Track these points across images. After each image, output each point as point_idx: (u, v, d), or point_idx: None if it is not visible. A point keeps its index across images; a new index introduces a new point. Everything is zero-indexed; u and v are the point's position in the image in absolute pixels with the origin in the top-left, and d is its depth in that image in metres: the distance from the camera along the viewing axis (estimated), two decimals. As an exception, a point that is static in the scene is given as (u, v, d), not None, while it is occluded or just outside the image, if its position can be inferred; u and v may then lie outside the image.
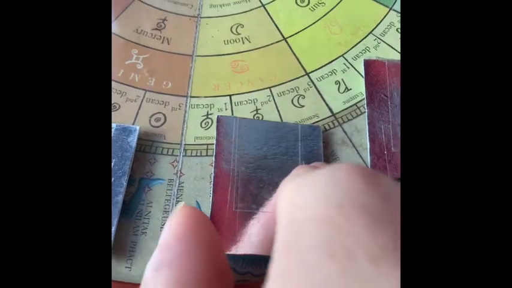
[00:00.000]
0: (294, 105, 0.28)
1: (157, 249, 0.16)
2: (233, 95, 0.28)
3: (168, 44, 0.30)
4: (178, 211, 0.17)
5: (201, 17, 0.31)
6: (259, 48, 0.30)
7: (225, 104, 0.28)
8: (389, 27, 0.31)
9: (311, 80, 0.29)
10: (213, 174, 0.24)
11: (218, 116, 0.25)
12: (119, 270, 0.23)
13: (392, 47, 0.30)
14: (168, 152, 0.26)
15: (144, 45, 0.30)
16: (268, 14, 0.31)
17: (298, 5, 0.32)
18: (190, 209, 0.17)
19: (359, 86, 0.28)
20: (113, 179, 0.25)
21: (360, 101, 0.28)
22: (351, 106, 0.28)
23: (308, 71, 0.29)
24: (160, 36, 0.30)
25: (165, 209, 0.25)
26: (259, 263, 0.23)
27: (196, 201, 0.25)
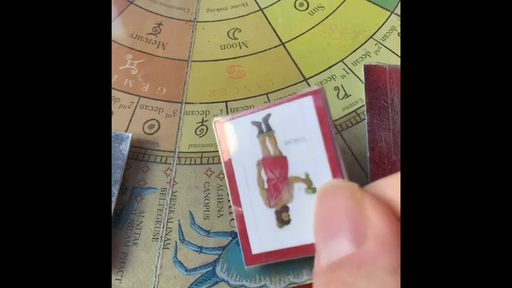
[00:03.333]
0: (292, 112, 0.27)
1: (378, 246, 0.14)
2: (229, 101, 0.27)
3: (164, 49, 0.29)
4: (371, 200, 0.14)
5: (197, 22, 0.31)
6: (257, 53, 0.29)
7: (221, 110, 0.27)
8: (390, 31, 0.30)
9: (309, 86, 0.28)
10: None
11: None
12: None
13: (393, 52, 0.29)
14: (161, 160, 0.26)
15: (139, 50, 0.29)
16: (266, 18, 0.31)
17: (297, 9, 0.31)
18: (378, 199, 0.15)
19: (359, 92, 0.27)
20: (103, 187, 0.24)
21: (360, 107, 0.27)
22: (350, 113, 0.27)
23: (306, 77, 0.28)
24: (155, 41, 0.30)
25: (157, 219, 0.24)
26: (254, 276, 0.22)
27: (190, 211, 0.24)
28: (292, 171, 0.17)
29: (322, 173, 0.16)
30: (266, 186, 0.17)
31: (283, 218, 0.17)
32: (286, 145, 0.17)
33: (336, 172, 0.16)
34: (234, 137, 0.18)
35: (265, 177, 0.18)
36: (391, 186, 0.16)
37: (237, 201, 0.18)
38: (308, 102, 0.17)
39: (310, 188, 0.17)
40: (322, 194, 0.16)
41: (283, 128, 0.17)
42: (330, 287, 0.14)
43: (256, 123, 0.18)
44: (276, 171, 0.17)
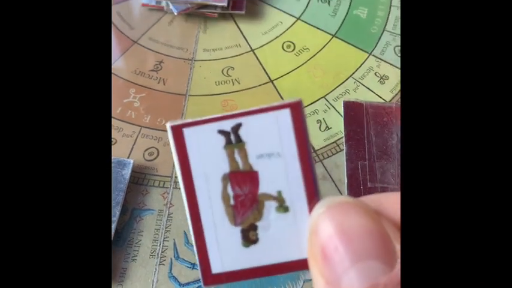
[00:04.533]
0: (278, 142, 0.30)
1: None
2: (222, 131, 0.30)
3: (164, 84, 0.32)
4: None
5: (195, 60, 0.34)
6: (248, 89, 0.32)
7: (214, 140, 0.30)
8: (368, 71, 0.33)
9: (294, 119, 0.31)
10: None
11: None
12: (108, 295, 0.25)
13: (370, 90, 0.32)
14: (159, 184, 0.28)
15: (141, 85, 0.32)
16: (257, 58, 0.34)
17: (284, 50, 0.34)
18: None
19: (339, 125, 0.31)
20: (107, 208, 0.26)
21: (339, 139, 0.30)
22: (331, 143, 0.30)
23: (292, 111, 0.31)
24: (157, 77, 0.33)
25: (155, 238, 0.27)
26: (241, 291, 0.25)
27: (184, 231, 0.27)
28: (263, 188, 0.16)
29: (296, 192, 0.16)
30: (232, 202, 0.16)
31: (250, 237, 0.16)
32: (257, 159, 0.16)
33: (310, 191, 0.16)
34: (195, 146, 0.16)
35: (231, 193, 0.16)
36: (393, 202, 0.15)
37: (196, 217, 0.16)
38: (285, 115, 0.16)
39: (282, 207, 0.16)
40: (331, 210, 0.14)
41: (255, 141, 0.16)
42: None
43: (224, 133, 0.16)
44: (244, 187, 0.16)
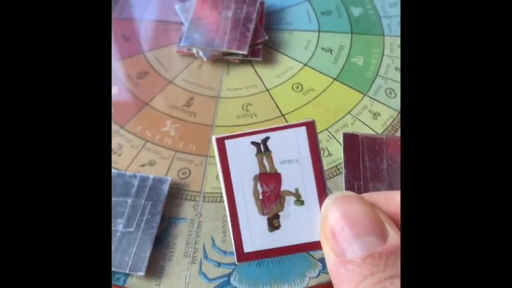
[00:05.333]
0: (289, 166, 0.36)
1: (397, 240, 0.17)
2: (242, 156, 0.37)
3: (194, 117, 0.39)
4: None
5: (219, 97, 0.41)
6: (263, 121, 0.39)
7: (236, 163, 0.36)
8: (363, 108, 0.40)
9: (302, 147, 0.37)
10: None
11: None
12: (150, 286, 0.30)
13: (365, 124, 0.39)
14: (191, 198, 0.34)
15: (176, 117, 0.39)
16: (271, 96, 0.41)
17: (294, 90, 0.41)
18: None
19: (339, 153, 0.37)
20: (149, 216, 0.32)
21: (339, 164, 0.36)
22: (332, 167, 0.36)
23: (300, 140, 0.38)
24: (188, 111, 0.40)
25: (187, 241, 0.32)
26: (258, 284, 0.30)
27: (211, 236, 0.33)
28: (285, 186, 0.20)
29: (309, 189, 0.20)
30: (261, 197, 0.20)
31: (274, 224, 0.20)
32: (280, 164, 0.20)
33: (320, 189, 0.20)
34: (233, 153, 0.20)
35: (260, 190, 0.20)
36: (382, 197, 0.19)
37: (233, 209, 0.20)
38: (302, 131, 0.20)
39: (299, 201, 0.20)
40: (338, 201, 0.18)
41: (279, 150, 0.20)
42: (364, 275, 0.16)
43: (256, 144, 0.20)
44: (270, 186, 0.20)
